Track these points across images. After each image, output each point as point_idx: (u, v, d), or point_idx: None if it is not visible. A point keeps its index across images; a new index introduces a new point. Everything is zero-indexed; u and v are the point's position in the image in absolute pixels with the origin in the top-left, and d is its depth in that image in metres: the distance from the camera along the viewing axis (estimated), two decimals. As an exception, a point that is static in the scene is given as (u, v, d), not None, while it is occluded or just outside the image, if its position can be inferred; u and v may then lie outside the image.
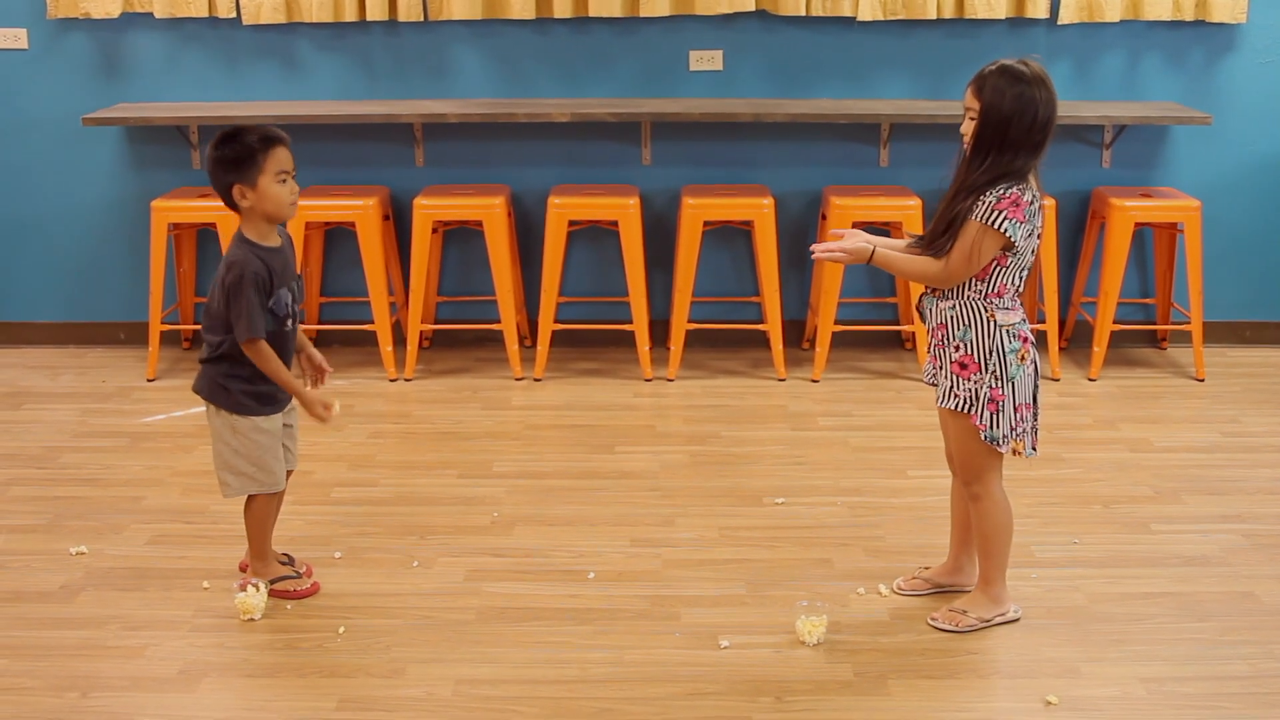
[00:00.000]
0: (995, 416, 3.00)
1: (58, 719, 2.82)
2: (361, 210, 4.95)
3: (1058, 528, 3.72)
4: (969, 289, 2.99)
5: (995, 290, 2.98)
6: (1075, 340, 5.40)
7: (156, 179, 5.30)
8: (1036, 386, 3.05)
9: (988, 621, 3.15)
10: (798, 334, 5.41)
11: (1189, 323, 5.07)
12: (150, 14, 5.15)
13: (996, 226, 2.88)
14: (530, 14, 5.07)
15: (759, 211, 4.95)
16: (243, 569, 3.41)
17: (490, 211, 4.96)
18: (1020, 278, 2.99)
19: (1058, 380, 5.05)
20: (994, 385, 2.99)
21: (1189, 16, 5.10)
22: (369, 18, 5.10)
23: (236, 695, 2.92)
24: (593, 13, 5.07)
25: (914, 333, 5.24)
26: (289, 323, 3.19)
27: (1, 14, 5.20)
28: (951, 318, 3.02)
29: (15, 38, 5.22)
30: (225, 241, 4.87)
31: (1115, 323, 5.07)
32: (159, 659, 3.04)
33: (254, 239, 3.13)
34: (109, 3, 5.09)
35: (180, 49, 5.24)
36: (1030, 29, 5.19)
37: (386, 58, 5.26)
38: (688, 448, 4.36)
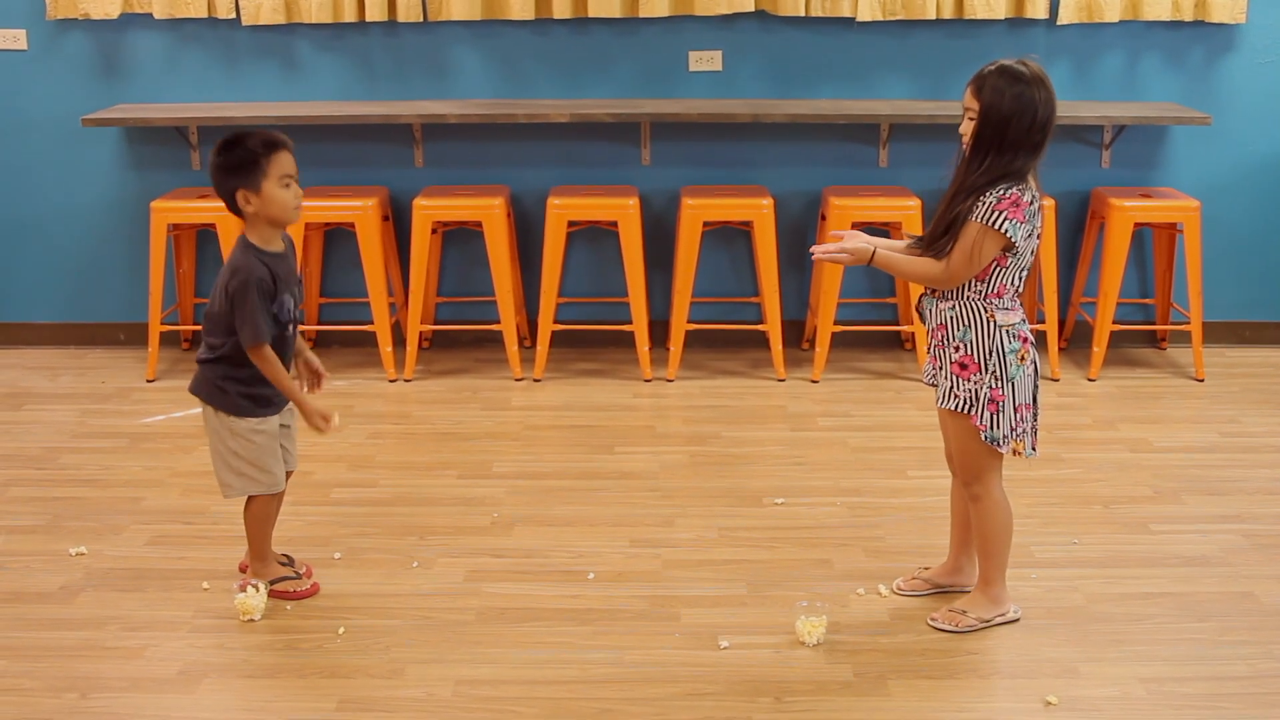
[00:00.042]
0: (995, 417, 3.00)
1: (57, 720, 2.82)
2: (361, 211, 4.95)
3: (1057, 528, 3.72)
4: (969, 289, 2.99)
5: (995, 291, 2.98)
6: (1075, 340, 5.40)
7: (156, 180, 5.30)
8: (1036, 387, 3.05)
9: (987, 622, 3.16)
10: (797, 334, 5.41)
11: (1188, 323, 5.07)
12: (150, 14, 5.15)
13: (997, 227, 2.88)
14: (530, 14, 5.07)
15: (758, 212, 4.95)
16: (242, 570, 3.41)
17: (490, 212, 4.96)
18: (1020, 278, 2.99)
19: (1057, 380, 5.05)
20: (994, 385, 2.99)
21: (1188, 17, 5.10)
22: (368, 18, 5.10)
23: (236, 696, 2.92)
24: (592, 13, 5.07)
25: (913, 333, 5.24)
26: (290, 328, 3.20)
27: (1, 14, 5.20)
28: (951, 318, 3.02)
29: (15, 38, 5.22)
30: (225, 242, 4.90)
31: (1115, 323, 5.07)
32: (159, 660, 3.04)
33: (258, 244, 3.13)
34: (108, 3, 5.09)
35: (180, 50, 5.24)
36: (1029, 29, 5.19)
37: (386, 58, 5.26)
38: (687, 448, 4.36)
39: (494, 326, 5.13)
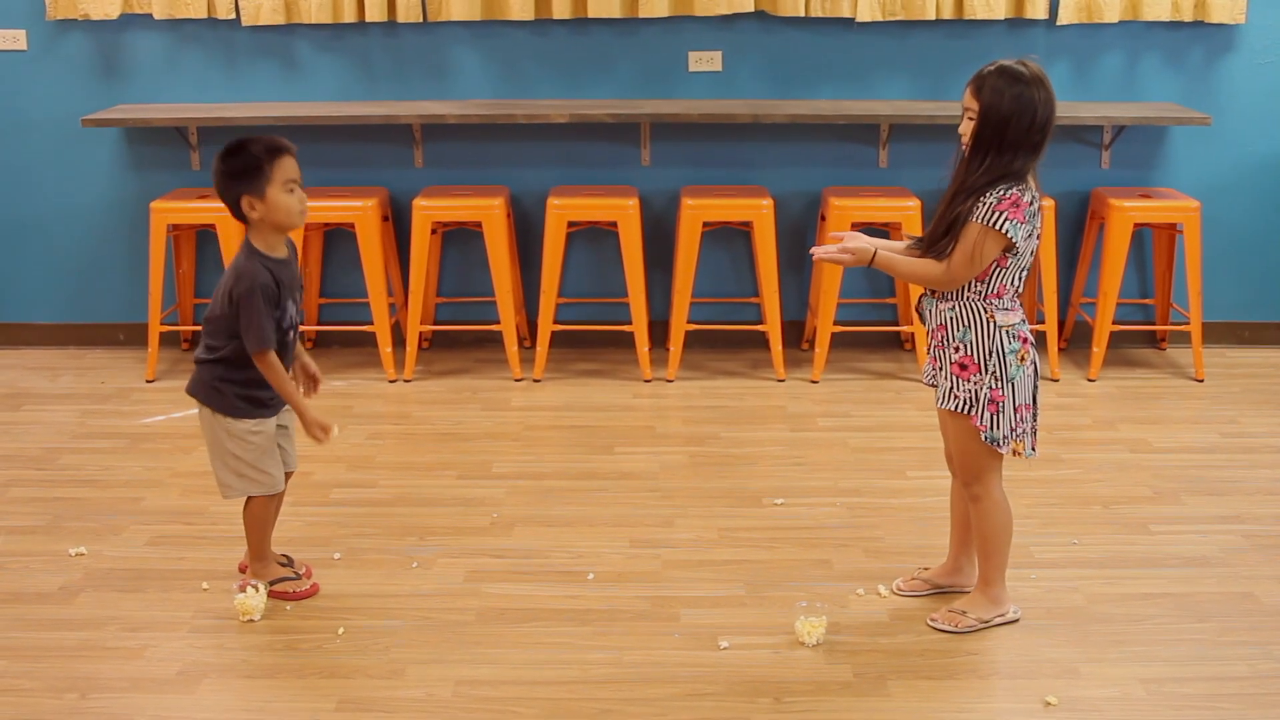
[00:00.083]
0: (995, 417, 3.00)
1: (57, 720, 2.82)
2: (361, 211, 4.95)
3: (1057, 528, 3.72)
4: (969, 290, 2.99)
5: (995, 291, 2.98)
6: (1074, 341, 5.40)
7: (155, 180, 5.30)
8: (1036, 387, 3.05)
9: (987, 622, 3.15)
10: (797, 335, 5.41)
11: (1188, 323, 5.07)
12: (149, 15, 5.15)
13: (998, 228, 2.88)
14: (529, 15, 5.07)
15: (758, 212, 4.95)
16: (242, 570, 3.40)
17: (489, 212, 4.96)
18: (1020, 278, 2.99)
19: (1057, 381, 5.05)
20: (994, 386, 2.99)
21: (1188, 17, 5.10)
22: (368, 19, 5.10)
23: (236, 696, 2.92)
24: (592, 14, 5.07)
25: (913, 333, 5.24)
26: (290, 334, 3.20)
27: (1, 15, 5.20)
28: (951, 319, 3.02)
29: (14, 39, 5.22)
30: (225, 243, 4.90)
31: (1114, 323, 5.07)
32: (158, 660, 3.04)
33: (262, 250, 3.13)
34: (108, 4, 5.09)
35: (179, 50, 5.24)
36: (1029, 29, 5.19)
37: (386, 59, 5.26)
38: (687, 448, 4.36)
39: (494, 327, 5.13)
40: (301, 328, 3.31)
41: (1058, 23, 5.10)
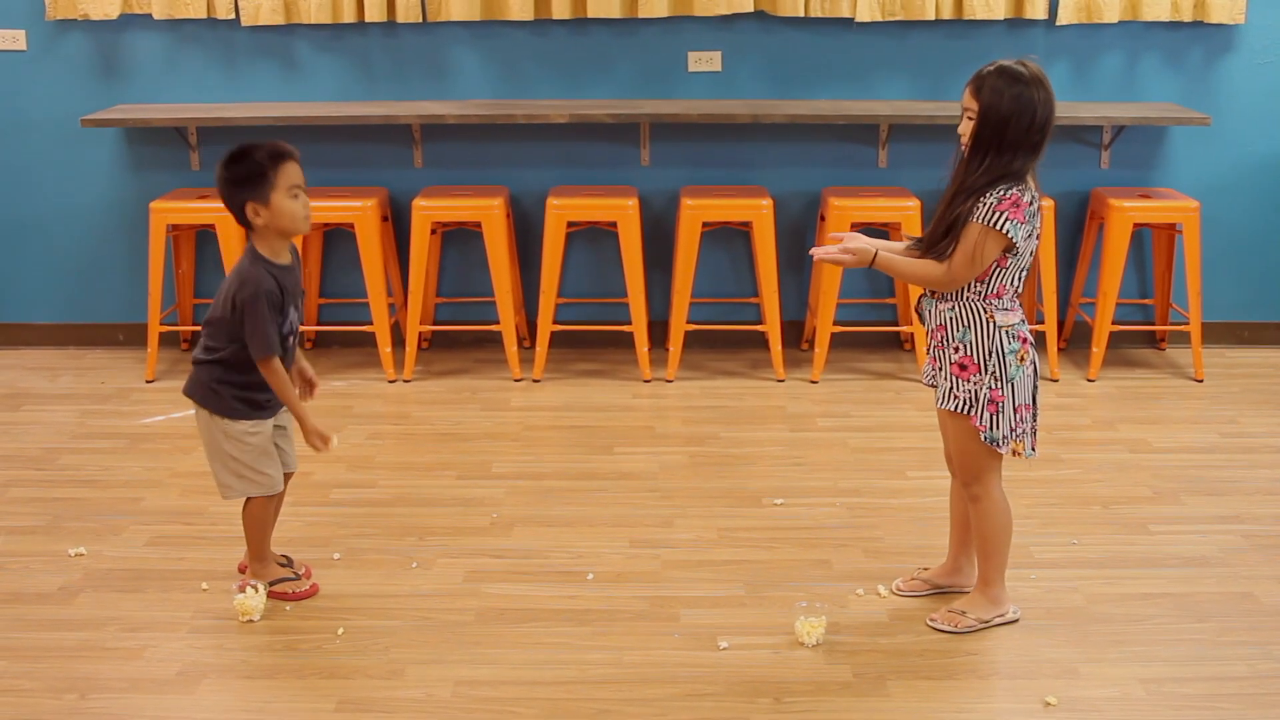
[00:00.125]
0: (995, 417, 3.00)
1: (56, 720, 2.82)
2: (360, 211, 4.95)
3: (1057, 528, 3.72)
4: (968, 290, 2.99)
5: (994, 291, 2.98)
6: (1074, 341, 5.40)
7: (155, 180, 5.30)
8: (1036, 387, 3.05)
9: (987, 622, 3.15)
10: (796, 335, 5.41)
11: (1188, 323, 5.07)
12: (149, 15, 5.15)
13: (998, 228, 2.88)
14: (529, 15, 5.07)
15: (758, 212, 4.95)
16: (241, 570, 3.40)
17: (489, 212, 4.96)
18: (1019, 279, 2.99)
19: (1057, 381, 5.05)
20: (994, 386, 2.99)
21: (1187, 17, 5.10)
22: (367, 19, 5.10)
23: (235, 697, 2.92)
24: (591, 14, 5.07)
25: (913, 334, 5.24)
26: (290, 339, 3.20)
27: (1, 15, 5.20)
28: (951, 319, 3.02)
29: (14, 39, 5.22)
30: (224, 243, 4.90)
31: (1114, 323, 5.07)
32: (158, 660, 3.04)
33: (267, 255, 3.13)
34: (108, 4, 5.09)
35: (179, 50, 5.24)
36: (1029, 30, 5.19)
37: (385, 59, 5.26)
38: (687, 449, 4.36)
39: (493, 327, 5.13)
40: (301, 328, 3.31)
41: (1057, 23, 5.10)
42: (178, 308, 5.33)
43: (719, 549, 3.61)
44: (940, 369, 3.08)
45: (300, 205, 3.11)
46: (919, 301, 3.13)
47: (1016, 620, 3.19)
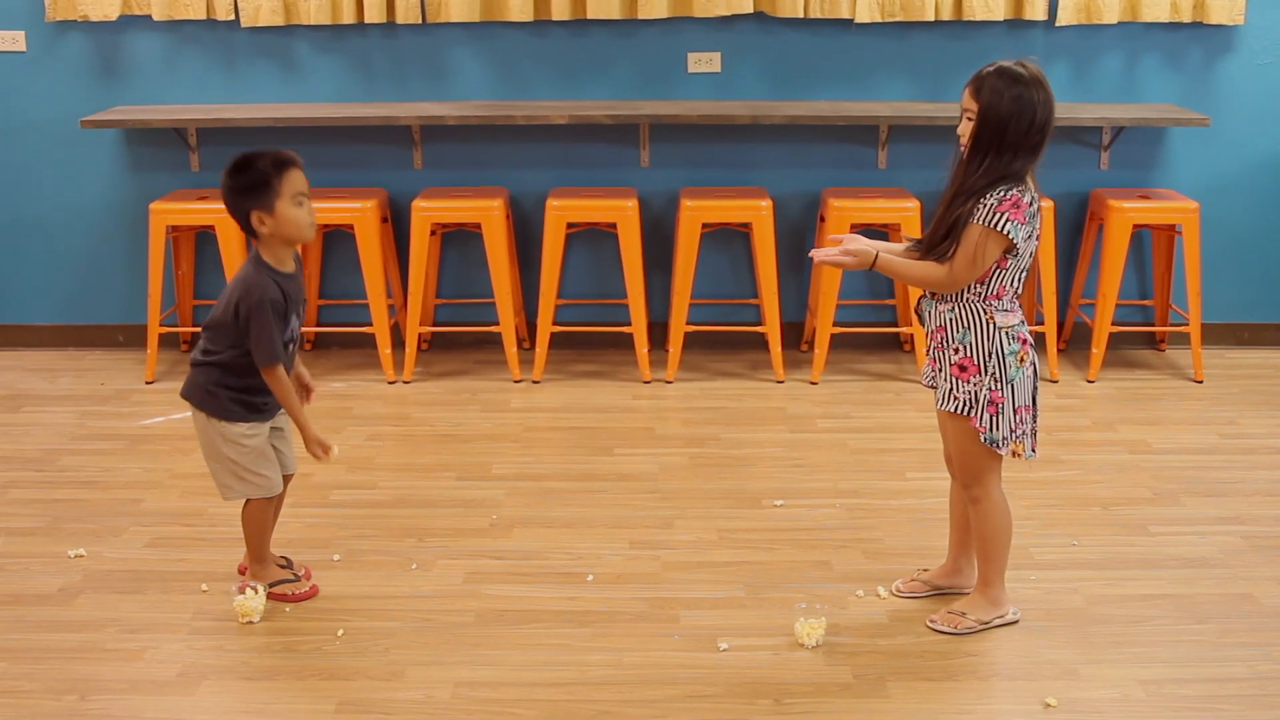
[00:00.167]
0: (995, 419, 3.00)
1: (56, 722, 2.82)
2: (360, 213, 4.95)
3: (1056, 529, 3.72)
4: (968, 291, 2.99)
5: (994, 292, 2.98)
6: (1074, 342, 5.40)
7: (155, 181, 5.30)
8: (1035, 388, 3.06)
9: (986, 624, 3.15)
10: (796, 336, 5.41)
11: (1187, 324, 5.07)
12: (148, 16, 5.15)
13: (999, 229, 2.88)
14: (528, 16, 5.07)
15: (757, 213, 4.95)
16: (241, 572, 3.40)
17: (489, 214, 4.96)
18: (1019, 280, 2.99)
19: (1056, 382, 5.05)
20: (993, 387, 2.99)
21: (1187, 18, 5.11)
22: (367, 20, 5.10)
23: (235, 698, 2.92)
24: (591, 15, 5.07)
25: (912, 335, 5.25)
26: (290, 346, 3.20)
27: (0, 16, 5.20)
28: (951, 320, 3.02)
29: (14, 40, 5.22)
30: (224, 244, 4.90)
31: (1114, 324, 5.07)
32: (157, 662, 3.04)
33: (271, 263, 3.13)
34: (107, 5, 5.09)
35: (178, 51, 5.24)
36: (1028, 30, 5.19)
37: (385, 60, 5.26)
38: (686, 450, 4.36)
39: (493, 328, 5.13)
40: (300, 329, 3.31)
41: (1057, 24, 5.10)
42: (177, 309, 5.33)
43: (719, 550, 3.61)
44: (940, 370, 3.08)
45: (305, 213, 3.11)
46: (919, 303, 3.13)
47: (1016, 621, 3.19)
